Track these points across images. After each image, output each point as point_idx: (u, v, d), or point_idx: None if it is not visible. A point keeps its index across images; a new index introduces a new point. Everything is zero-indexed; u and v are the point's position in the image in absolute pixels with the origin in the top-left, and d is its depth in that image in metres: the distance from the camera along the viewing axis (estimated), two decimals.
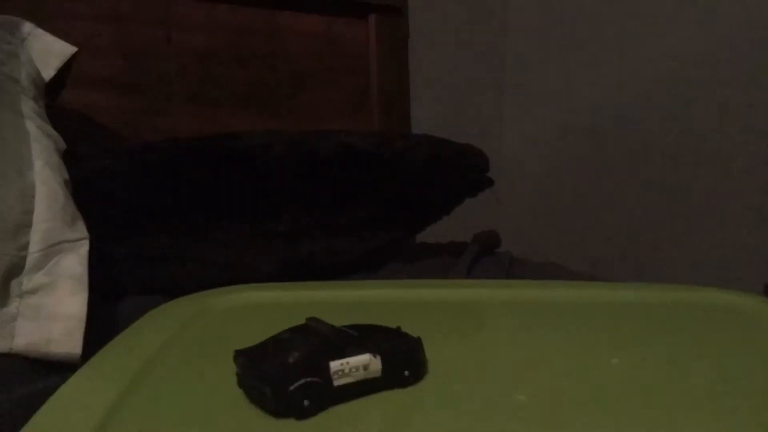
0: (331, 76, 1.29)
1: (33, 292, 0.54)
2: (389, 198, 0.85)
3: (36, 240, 0.55)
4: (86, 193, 0.66)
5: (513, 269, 0.92)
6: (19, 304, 0.53)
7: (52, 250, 0.56)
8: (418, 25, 1.39)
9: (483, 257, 0.95)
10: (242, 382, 0.36)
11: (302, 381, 0.33)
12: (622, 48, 1.33)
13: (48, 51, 0.80)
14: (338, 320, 0.41)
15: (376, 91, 1.34)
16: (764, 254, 1.16)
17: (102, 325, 0.59)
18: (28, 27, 0.79)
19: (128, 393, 0.39)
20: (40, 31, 0.80)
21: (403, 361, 0.38)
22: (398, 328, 0.41)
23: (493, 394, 0.39)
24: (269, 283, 0.64)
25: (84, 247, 0.58)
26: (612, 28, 1.35)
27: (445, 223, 0.97)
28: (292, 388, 0.33)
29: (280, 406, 0.33)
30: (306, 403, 0.33)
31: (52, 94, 0.81)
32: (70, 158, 0.68)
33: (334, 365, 0.34)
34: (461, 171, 0.86)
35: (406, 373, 0.38)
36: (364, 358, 0.36)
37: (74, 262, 0.56)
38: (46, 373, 0.51)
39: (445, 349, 0.45)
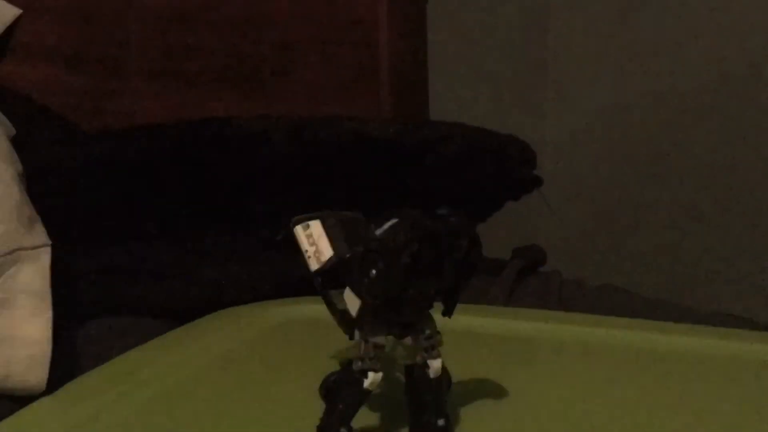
0: (329, 48, 1.31)
1: None
2: (411, 200, 0.87)
3: None
4: (38, 191, 0.68)
5: (564, 293, 0.95)
6: None
7: (7, 259, 0.58)
8: None
9: (526, 277, 0.98)
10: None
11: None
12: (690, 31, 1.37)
13: None
14: None
15: (386, 67, 1.36)
16: None
17: (64, 351, 0.61)
18: None
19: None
20: None
21: None
22: None
23: None
24: None
25: (45, 256, 0.60)
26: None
27: (478, 232, 0.99)
28: None
29: None
30: None
31: None
32: (16, 148, 0.70)
33: None
34: (502, 168, 0.89)
35: None
36: None
37: (34, 275, 0.58)
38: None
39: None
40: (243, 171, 0.78)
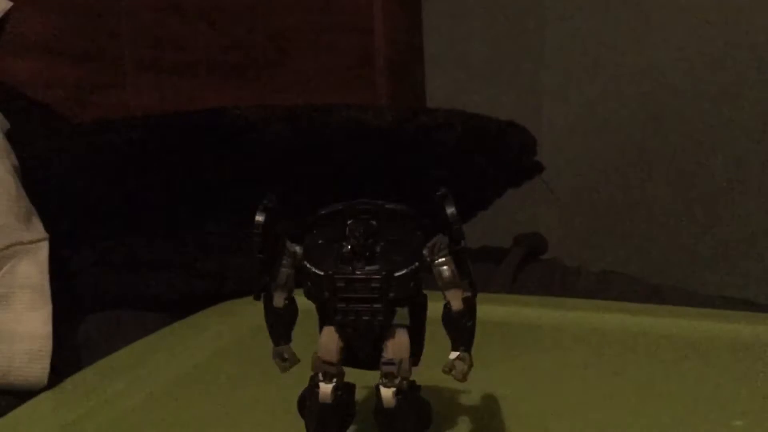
0: (324, 36, 1.31)
1: None
2: (412, 189, 0.87)
3: None
4: (34, 184, 0.68)
5: (567, 280, 0.95)
6: None
7: (5, 253, 0.58)
8: None
9: (528, 265, 0.98)
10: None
11: None
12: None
13: None
14: None
15: (382, 55, 1.36)
16: None
17: (65, 346, 0.61)
18: None
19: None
20: None
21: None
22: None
23: None
24: None
25: (43, 250, 0.60)
26: None
27: (478, 221, 0.99)
28: None
29: None
30: None
31: None
32: (11, 142, 0.71)
33: None
34: (502, 154, 0.89)
35: None
36: None
37: (32, 269, 0.59)
38: None
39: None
40: (240, 161, 0.78)
